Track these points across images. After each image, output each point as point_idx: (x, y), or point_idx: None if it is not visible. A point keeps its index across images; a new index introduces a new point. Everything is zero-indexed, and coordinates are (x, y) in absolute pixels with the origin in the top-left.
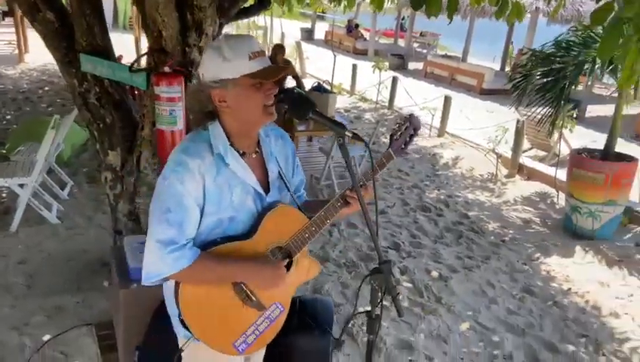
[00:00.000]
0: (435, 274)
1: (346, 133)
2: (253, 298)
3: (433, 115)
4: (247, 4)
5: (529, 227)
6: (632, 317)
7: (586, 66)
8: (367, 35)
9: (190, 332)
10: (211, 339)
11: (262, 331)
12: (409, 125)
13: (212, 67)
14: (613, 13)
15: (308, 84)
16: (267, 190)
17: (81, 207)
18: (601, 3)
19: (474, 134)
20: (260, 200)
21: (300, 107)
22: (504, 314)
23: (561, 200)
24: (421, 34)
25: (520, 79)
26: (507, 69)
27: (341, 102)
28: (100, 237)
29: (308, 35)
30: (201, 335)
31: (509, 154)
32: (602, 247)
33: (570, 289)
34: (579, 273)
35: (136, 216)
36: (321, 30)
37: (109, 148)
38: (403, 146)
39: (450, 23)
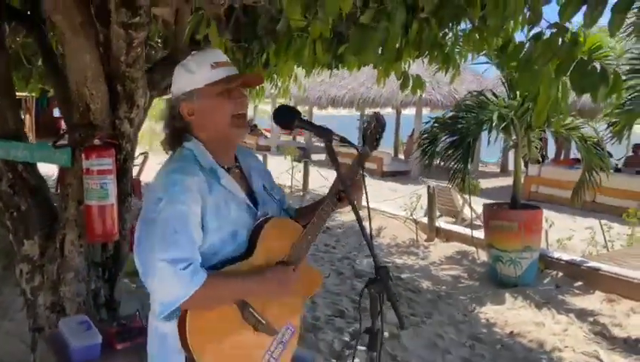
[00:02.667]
0: (385, 334)
1: (334, 137)
2: (263, 321)
3: None
4: None
5: (459, 282)
6: (572, 349)
7: (484, 126)
8: (267, 133)
9: None
10: None
11: (277, 357)
12: (377, 123)
13: (179, 82)
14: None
15: None
16: (255, 204)
17: None
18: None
19: (389, 206)
20: (253, 215)
21: (285, 116)
22: None
23: (481, 255)
24: None
25: (427, 144)
26: (400, 155)
27: None
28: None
29: None
30: None
31: (425, 220)
32: (528, 292)
33: (512, 332)
34: (515, 317)
35: (61, 307)
36: None
37: (25, 237)
38: (375, 143)
39: None
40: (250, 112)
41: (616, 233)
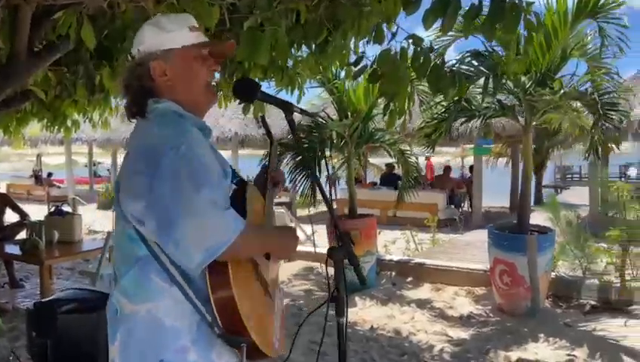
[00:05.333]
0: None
1: (294, 109)
2: (269, 283)
3: None
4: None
5: (312, 294)
6: (424, 331)
7: (327, 143)
8: (59, 184)
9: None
10: (266, 343)
11: (279, 321)
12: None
13: (150, 39)
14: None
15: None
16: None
17: None
18: None
19: None
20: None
21: (246, 88)
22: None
23: (324, 268)
24: None
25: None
26: None
27: None
28: None
29: None
30: (261, 341)
31: None
32: (372, 293)
33: (372, 326)
34: (369, 315)
35: None
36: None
37: None
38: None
39: None
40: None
41: (419, 238)
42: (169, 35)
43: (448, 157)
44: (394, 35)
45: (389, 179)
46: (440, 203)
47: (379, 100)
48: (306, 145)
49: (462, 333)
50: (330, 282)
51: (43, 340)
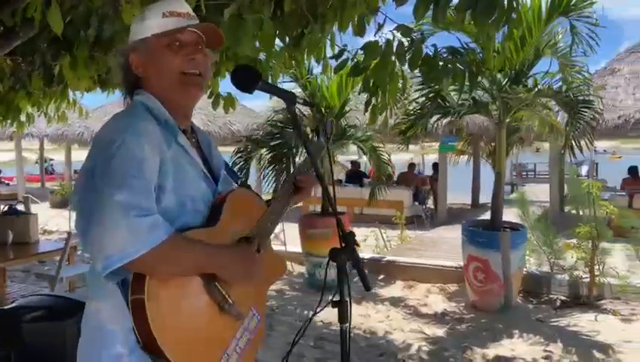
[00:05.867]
0: None
1: (297, 99)
2: (230, 300)
3: None
4: None
5: (284, 294)
6: (400, 329)
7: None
8: (8, 181)
9: None
10: None
11: (243, 348)
12: (331, 126)
13: (132, 31)
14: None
15: None
16: (214, 180)
17: None
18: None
19: None
20: (212, 190)
21: (245, 77)
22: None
23: (295, 268)
24: (75, 172)
25: (242, 163)
26: None
27: None
28: None
29: None
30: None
31: None
32: None
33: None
34: None
35: None
36: None
37: None
38: (327, 139)
39: None
40: None
41: (387, 236)
42: (144, 23)
43: (410, 154)
44: (381, 26)
45: (354, 176)
46: (406, 200)
47: (357, 96)
48: (280, 142)
49: (438, 331)
50: (324, 285)
51: (6, 351)
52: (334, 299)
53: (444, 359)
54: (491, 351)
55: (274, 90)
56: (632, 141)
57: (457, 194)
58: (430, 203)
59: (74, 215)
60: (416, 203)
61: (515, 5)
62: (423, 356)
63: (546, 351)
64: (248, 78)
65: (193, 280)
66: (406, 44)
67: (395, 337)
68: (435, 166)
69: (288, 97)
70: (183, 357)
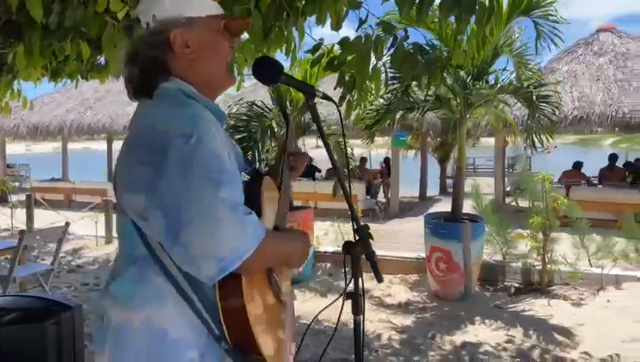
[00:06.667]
0: None
1: (317, 93)
2: (282, 291)
3: (96, 222)
4: None
5: None
6: (369, 320)
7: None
8: None
9: None
10: (279, 361)
11: (291, 334)
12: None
13: (170, 3)
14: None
15: None
16: None
17: None
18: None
19: None
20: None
21: (268, 68)
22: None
23: None
24: (8, 166)
25: None
26: None
27: None
28: None
29: None
30: (274, 359)
31: None
32: (310, 285)
33: (318, 319)
34: (311, 308)
35: None
36: None
37: None
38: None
39: None
40: None
41: (344, 229)
42: (192, 1)
43: (359, 149)
44: (363, 21)
45: (307, 170)
46: (360, 193)
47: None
48: (245, 135)
49: (404, 320)
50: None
51: None
52: (347, 291)
53: (416, 346)
54: (458, 338)
55: (294, 83)
56: (568, 136)
57: (404, 188)
58: (380, 196)
59: (73, 215)
60: (369, 196)
61: (494, 5)
62: (395, 345)
63: (507, 335)
64: (270, 70)
65: (264, 275)
66: (390, 41)
67: (364, 327)
68: (387, 160)
69: (308, 91)
70: (270, 350)
